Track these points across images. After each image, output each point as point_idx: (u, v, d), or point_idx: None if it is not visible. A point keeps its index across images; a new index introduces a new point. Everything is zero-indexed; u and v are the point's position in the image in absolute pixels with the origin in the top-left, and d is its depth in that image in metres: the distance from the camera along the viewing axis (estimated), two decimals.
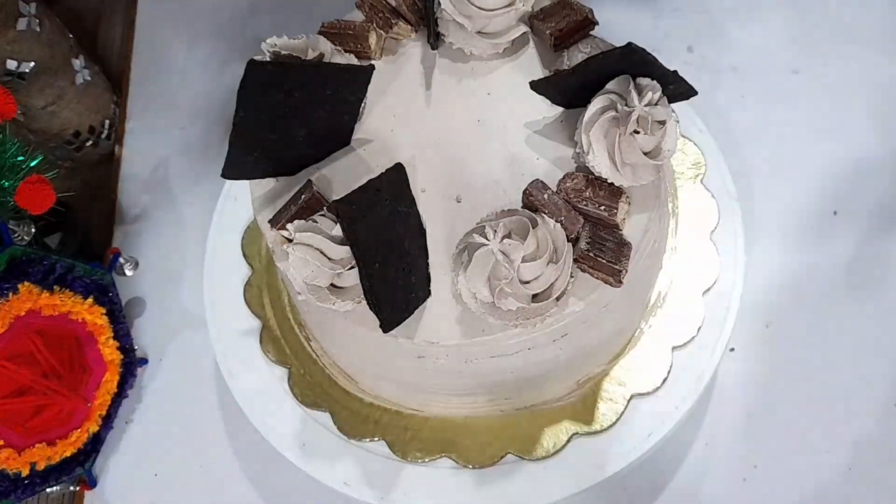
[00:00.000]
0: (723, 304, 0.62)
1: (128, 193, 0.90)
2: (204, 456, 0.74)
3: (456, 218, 0.52)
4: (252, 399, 0.65)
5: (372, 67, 0.53)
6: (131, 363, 0.76)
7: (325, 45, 0.55)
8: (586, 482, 0.58)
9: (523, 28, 0.57)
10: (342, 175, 0.55)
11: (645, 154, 0.49)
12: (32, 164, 0.69)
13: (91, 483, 0.74)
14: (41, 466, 0.69)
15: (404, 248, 0.50)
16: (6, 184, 0.67)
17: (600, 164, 0.50)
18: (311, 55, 0.53)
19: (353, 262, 0.48)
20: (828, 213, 0.76)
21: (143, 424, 0.77)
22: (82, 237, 0.86)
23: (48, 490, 0.71)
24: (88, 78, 0.88)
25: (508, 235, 0.47)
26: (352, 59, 0.57)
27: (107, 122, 0.92)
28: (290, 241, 0.49)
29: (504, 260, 0.46)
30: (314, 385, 0.64)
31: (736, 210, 0.66)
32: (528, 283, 0.47)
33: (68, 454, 0.71)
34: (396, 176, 0.52)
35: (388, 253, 0.48)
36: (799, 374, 0.69)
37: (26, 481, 0.68)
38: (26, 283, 0.66)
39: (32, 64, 0.79)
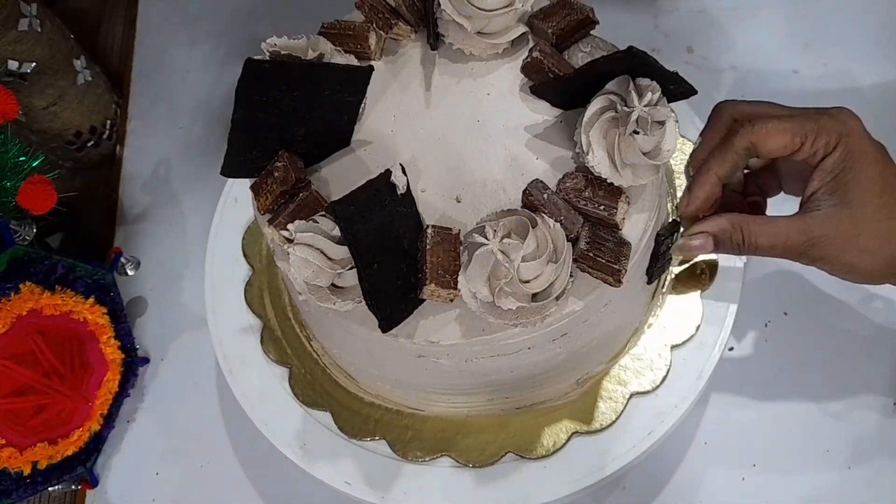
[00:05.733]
0: (722, 304, 0.62)
1: (129, 193, 0.90)
2: (205, 455, 0.74)
3: (456, 218, 0.53)
4: (253, 398, 0.65)
5: (371, 68, 0.53)
6: (133, 363, 0.76)
7: (325, 46, 0.55)
8: (586, 481, 0.58)
9: (523, 28, 0.57)
10: (342, 175, 0.55)
11: (644, 154, 0.50)
12: (34, 164, 0.69)
13: (92, 482, 0.74)
14: (43, 465, 0.69)
15: (404, 249, 0.50)
16: (8, 184, 0.67)
17: (600, 164, 0.50)
18: (310, 55, 0.53)
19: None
20: None
21: (144, 424, 0.77)
22: (84, 237, 0.87)
23: (50, 489, 0.72)
24: (89, 78, 0.88)
25: (508, 235, 0.48)
26: (351, 60, 0.57)
27: (108, 122, 0.93)
28: (291, 241, 0.49)
29: (504, 259, 0.46)
30: (315, 384, 0.64)
31: None
32: (527, 282, 0.48)
33: (70, 453, 0.71)
34: None
35: (388, 253, 0.48)
36: (798, 373, 0.69)
37: (28, 480, 0.68)
38: (28, 283, 0.66)
39: (34, 64, 0.80)
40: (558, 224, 0.49)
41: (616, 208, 0.50)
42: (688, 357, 0.61)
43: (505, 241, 0.47)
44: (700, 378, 0.60)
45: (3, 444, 0.66)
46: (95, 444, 0.74)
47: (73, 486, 0.74)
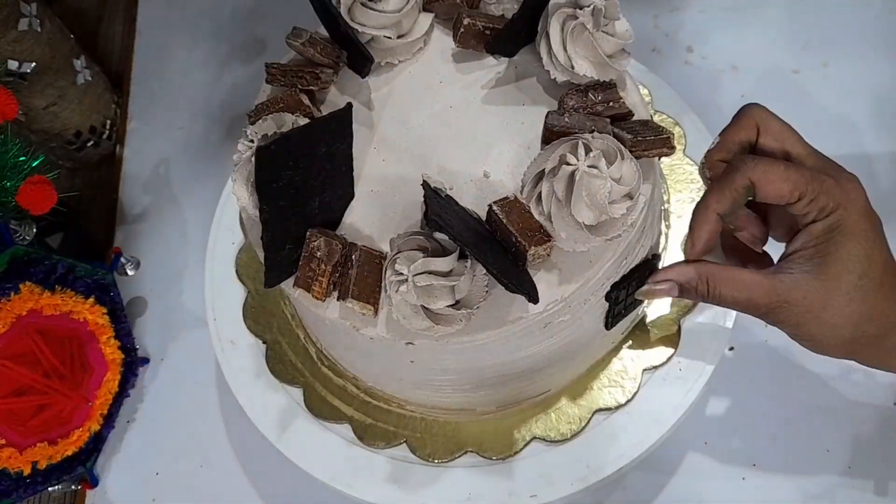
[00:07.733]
0: None
1: (129, 193, 0.90)
2: (205, 455, 0.74)
3: (498, 191, 0.52)
4: (253, 398, 0.65)
5: (350, 105, 0.51)
6: (133, 363, 0.76)
7: (288, 117, 0.53)
8: (586, 481, 0.58)
9: (429, 15, 0.58)
10: (370, 221, 0.54)
11: (616, 39, 0.52)
12: (34, 164, 0.69)
13: (92, 482, 0.74)
14: (42, 465, 0.69)
15: (487, 240, 0.49)
16: (8, 184, 0.67)
17: (586, 68, 0.52)
18: (283, 128, 0.52)
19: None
20: None
21: (144, 424, 0.77)
22: (84, 237, 0.87)
23: (50, 489, 0.72)
24: (89, 78, 0.88)
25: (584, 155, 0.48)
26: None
27: (108, 122, 0.93)
28: (405, 281, 0.47)
29: (597, 173, 0.47)
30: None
31: None
32: (619, 183, 0.48)
33: (70, 453, 0.71)
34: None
35: (483, 245, 0.48)
36: (798, 373, 0.69)
37: (28, 480, 0.68)
38: (28, 283, 0.66)
39: (33, 64, 0.80)
40: (596, 133, 0.50)
41: (621, 98, 0.53)
42: (688, 357, 0.61)
43: (590, 155, 0.47)
44: (700, 378, 0.60)
45: (3, 444, 0.66)
46: (95, 444, 0.74)
47: (73, 486, 0.74)
